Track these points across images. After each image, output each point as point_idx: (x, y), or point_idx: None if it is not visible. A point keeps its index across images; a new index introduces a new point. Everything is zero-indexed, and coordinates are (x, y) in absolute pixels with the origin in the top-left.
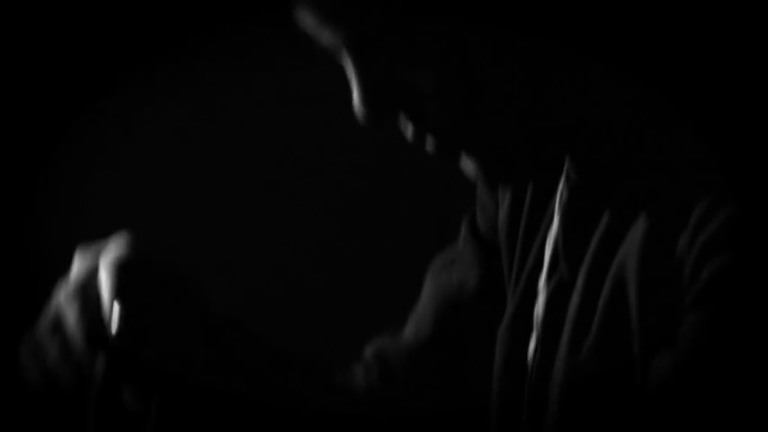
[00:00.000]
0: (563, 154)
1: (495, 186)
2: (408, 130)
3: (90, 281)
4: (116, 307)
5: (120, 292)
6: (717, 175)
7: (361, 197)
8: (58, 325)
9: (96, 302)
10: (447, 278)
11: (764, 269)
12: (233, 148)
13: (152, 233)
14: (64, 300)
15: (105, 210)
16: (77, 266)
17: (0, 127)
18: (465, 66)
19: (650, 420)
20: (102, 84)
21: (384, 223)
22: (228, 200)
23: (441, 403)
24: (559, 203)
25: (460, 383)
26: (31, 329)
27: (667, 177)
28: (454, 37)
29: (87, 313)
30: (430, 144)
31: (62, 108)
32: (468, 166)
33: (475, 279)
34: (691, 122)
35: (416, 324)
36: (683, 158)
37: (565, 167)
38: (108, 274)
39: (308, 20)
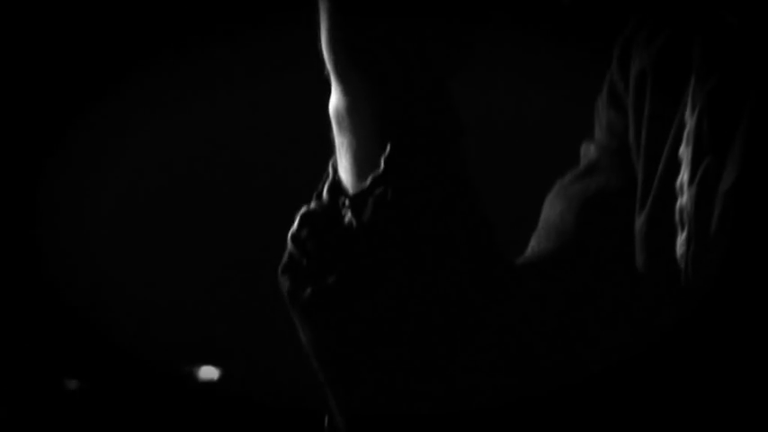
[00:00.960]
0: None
1: (620, 105)
2: None
3: None
4: None
5: None
6: None
7: None
8: None
9: None
10: (583, 186)
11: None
12: (234, 147)
13: (152, 233)
14: None
15: (105, 210)
16: None
17: (0, 127)
18: None
19: None
20: (102, 84)
21: None
22: (229, 200)
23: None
24: (693, 101)
25: (604, 285)
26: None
27: None
28: None
29: None
30: None
31: (62, 108)
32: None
33: (617, 181)
34: None
35: (554, 233)
36: None
37: (695, 61)
38: None
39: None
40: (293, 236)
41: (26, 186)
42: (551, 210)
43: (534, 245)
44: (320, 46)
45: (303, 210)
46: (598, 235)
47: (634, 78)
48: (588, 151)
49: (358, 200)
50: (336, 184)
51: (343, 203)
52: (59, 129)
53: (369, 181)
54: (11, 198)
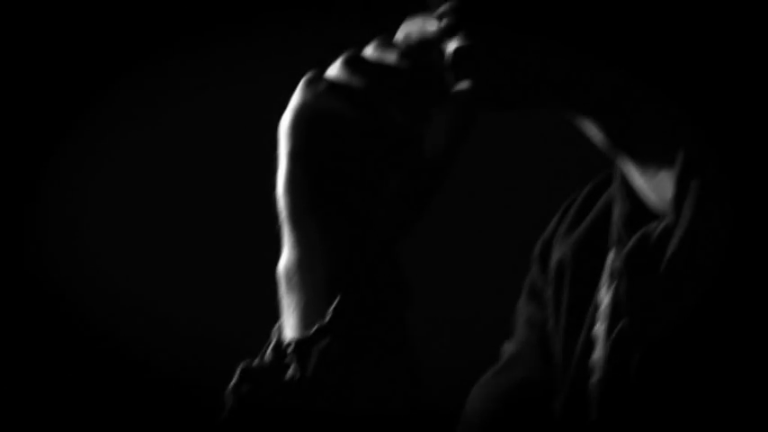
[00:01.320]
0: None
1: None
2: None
3: None
4: None
5: None
6: None
7: None
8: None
9: None
10: (503, 379)
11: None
12: (233, 147)
13: (153, 233)
14: None
15: (105, 210)
16: None
17: (0, 127)
18: None
19: None
20: (102, 83)
21: None
22: (229, 200)
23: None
24: (610, 279)
25: None
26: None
27: None
28: None
29: None
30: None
31: (61, 108)
32: None
33: (537, 373)
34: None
35: (476, 424)
36: None
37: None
38: None
39: None
40: (233, 390)
41: (22, 187)
42: (471, 405)
43: None
44: (276, 193)
45: (243, 364)
46: (518, 425)
47: (553, 269)
48: (509, 348)
49: (302, 346)
50: (280, 344)
51: (287, 350)
52: (56, 129)
53: (314, 328)
54: (9, 199)
